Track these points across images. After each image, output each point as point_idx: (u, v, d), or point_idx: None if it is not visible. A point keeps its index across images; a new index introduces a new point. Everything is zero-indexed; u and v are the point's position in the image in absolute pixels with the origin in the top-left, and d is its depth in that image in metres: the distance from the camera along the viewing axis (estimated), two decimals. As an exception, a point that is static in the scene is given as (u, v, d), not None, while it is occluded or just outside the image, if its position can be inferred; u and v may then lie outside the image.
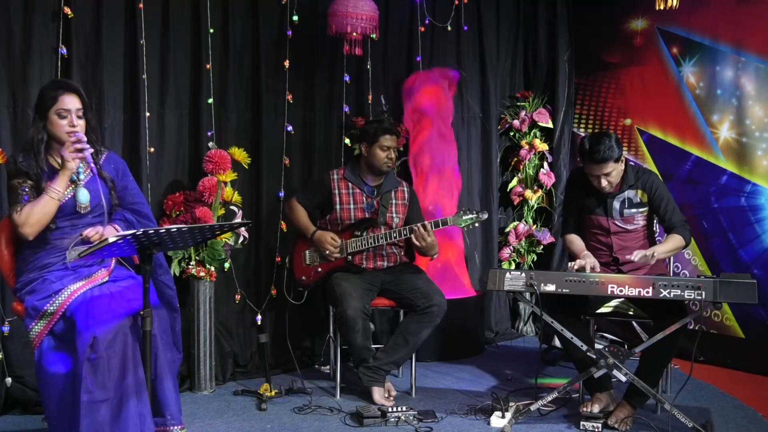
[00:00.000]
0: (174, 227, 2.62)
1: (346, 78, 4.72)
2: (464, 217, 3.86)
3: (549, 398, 3.58)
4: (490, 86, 5.41)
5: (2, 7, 3.61)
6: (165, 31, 4.10)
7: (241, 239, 4.18)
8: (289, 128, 4.51)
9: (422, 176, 4.83)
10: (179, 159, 4.21)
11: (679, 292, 3.22)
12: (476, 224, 3.92)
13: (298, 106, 4.58)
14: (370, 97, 4.85)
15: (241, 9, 4.36)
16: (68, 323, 2.85)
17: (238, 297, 4.35)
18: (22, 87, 3.68)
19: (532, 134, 5.48)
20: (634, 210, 3.76)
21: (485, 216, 3.90)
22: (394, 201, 4.13)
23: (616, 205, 3.76)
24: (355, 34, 4.34)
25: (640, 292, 3.27)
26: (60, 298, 2.88)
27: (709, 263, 4.74)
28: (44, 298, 2.89)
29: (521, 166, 5.47)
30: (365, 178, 4.12)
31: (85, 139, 2.93)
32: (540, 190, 5.44)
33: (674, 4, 4.00)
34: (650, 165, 5.01)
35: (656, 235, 3.97)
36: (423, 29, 5.05)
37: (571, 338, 3.43)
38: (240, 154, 4.13)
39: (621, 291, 3.30)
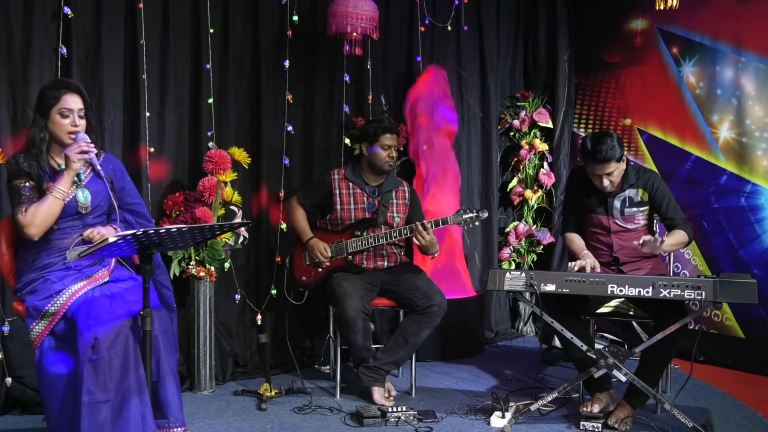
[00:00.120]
0: (174, 227, 2.62)
1: (346, 78, 4.72)
2: (464, 216, 3.86)
3: (549, 398, 3.58)
4: (490, 86, 5.41)
5: (2, 7, 3.61)
6: (165, 31, 4.10)
7: (241, 239, 4.18)
8: (289, 128, 4.51)
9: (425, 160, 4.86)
10: (179, 159, 4.21)
11: (679, 292, 3.23)
12: (476, 223, 3.92)
13: (298, 106, 4.58)
14: (370, 97, 4.85)
15: (241, 9, 4.36)
16: (69, 324, 2.85)
17: (238, 297, 4.36)
18: (22, 87, 3.68)
19: (532, 134, 5.48)
20: (634, 209, 3.76)
21: (485, 215, 3.90)
22: (394, 201, 4.13)
23: (617, 204, 3.76)
24: (355, 34, 4.34)
25: (640, 292, 3.27)
26: (61, 299, 2.88)
27: (709, 263, 4.74)
28: (45, 299, 2.89)
29: (521, 166, 5.47)
30: (366, 177, 4.12)
31: (89, 139, 2.93)
32: (540, 190, 5.45)
33: (674, 4, 4.00)
34: (650, 165, 5.00)
35: (656, 235, 3.97)
36: (423, 29, 5.05)
37: (571, 338, 3.44)
38: (240, 154, 4.13)
39: (621, 291, 3.30)
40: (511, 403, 3.66)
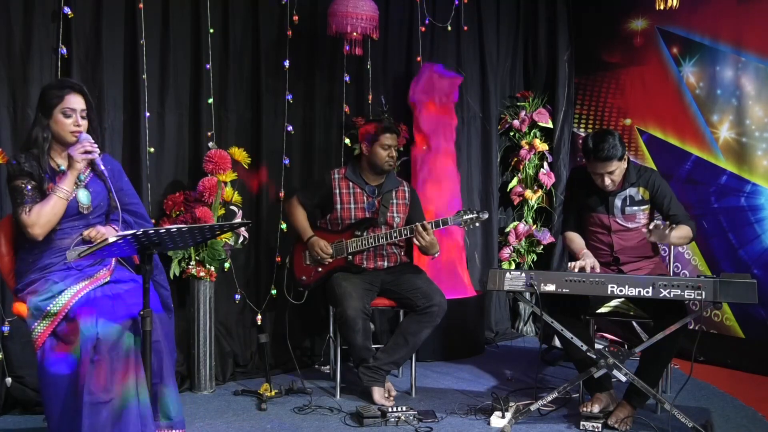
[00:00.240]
0: (174, 227, 2.62)
1: (346, 78, 4.72)
2: (464, 217, 3.86)
3: (549, 398, 3.58)
4: (490, 86, 5.41)
5: (2, 7, 3.61)
6: (165, 31, 4.10)
7: (241, 239, 4.18)
8: (289, 128, 4.51)
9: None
10: (179, 159, 4.21)
11: (679, 292, 3.22)
12: (477, 224, 3.92)
13: (298, 106, 4.58)
14: (370, 97, 4.85)
15: (241, 9, 4.36)
16: (71, 324, 2.84)
17: (238, 297, 4.36)
18: (22, 87, 3.68)
19: (532, 134, 5.48)
20: (635, 208, 3.75)
21: (486, 216, 3.90)
22: (395, 201, 4.13)
23: (618, 202, 3.76)
24: (355, 34, 4.34)
25: (640, 292, 3.27)
26: (63, 299, 2.88)
27: (709, 263, 4.74)
28: (47, 299, 2.88)
29: (521, 166, 5.47)
30: (366, 177, 4.12)
31: (92, 139, 2.94)
32: (540, 190, 5.44)
33: (674, 4, 4.00)
34: (650, 165, 5.00)
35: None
36: (423, 29, 5.05)
37: (571, 338, 3.44)
38: (240, 154, 4.13)
39: (621, 291, 3.30)
40: (511, 403, 3.66)
